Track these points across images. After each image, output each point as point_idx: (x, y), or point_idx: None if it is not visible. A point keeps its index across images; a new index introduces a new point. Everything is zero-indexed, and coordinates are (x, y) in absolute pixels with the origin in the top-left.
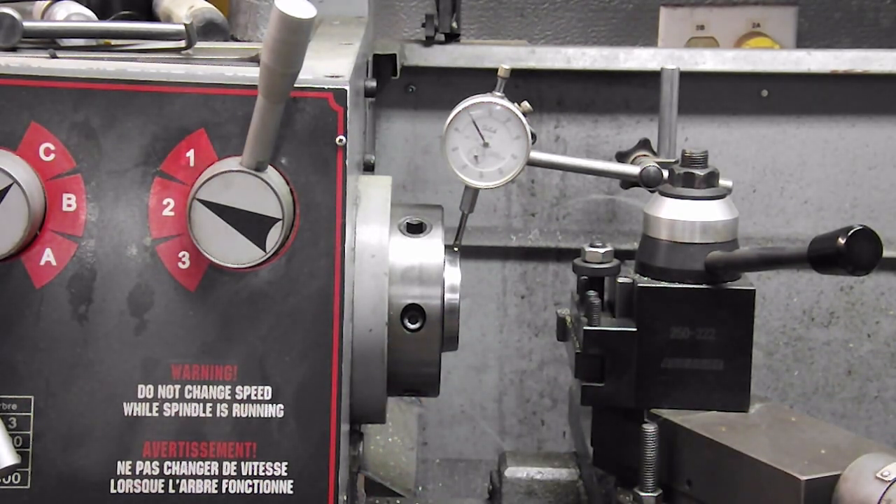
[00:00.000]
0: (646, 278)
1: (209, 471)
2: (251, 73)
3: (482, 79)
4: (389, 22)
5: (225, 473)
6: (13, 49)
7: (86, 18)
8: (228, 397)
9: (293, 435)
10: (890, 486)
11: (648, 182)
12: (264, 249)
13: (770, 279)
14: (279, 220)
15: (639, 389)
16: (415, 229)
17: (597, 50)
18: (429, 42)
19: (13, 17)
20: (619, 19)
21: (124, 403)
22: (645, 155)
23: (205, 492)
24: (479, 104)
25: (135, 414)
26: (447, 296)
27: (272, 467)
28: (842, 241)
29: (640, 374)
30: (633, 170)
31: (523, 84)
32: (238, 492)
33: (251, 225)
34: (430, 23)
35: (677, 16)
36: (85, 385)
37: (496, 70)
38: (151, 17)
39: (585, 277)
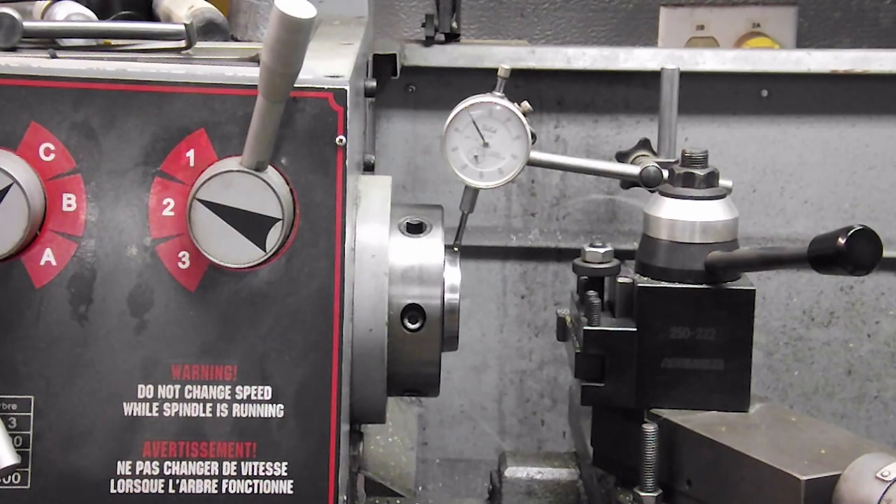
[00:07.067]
0: (646, 278)
1: (209, 471)
2: (251, 73)
3: (482, 79)
4: (389, 22)
5: (225, 473)
6: (13, 49)
7: (86, 18)
8: (228, 397)
9: (293, 435)
10: (890, 486)
11: (648, 182)
12: (264, 249)
13: (770, 279)
14: (279, 220)
15: (639, 389)
16: (415, 229)
17: (597, 50)
18: (429, 42)
19: (13, 17)
20: (619, 19)
21: (124, 403)
22: (645, 155)
23: (205, 492)
24: (479, 104)
25: (135, 414)
26: (447, 296)
27: (272, 467)
28: (842, 241)
29: (640, 374)
30: (633, 170)
31: (523, 84)
32: (238, 492)
33: (251, 225)
34: (430, 23)
35: (677, 16)
36: (85, 385)
37: (496, 70)
38: (151, 17)
39: (585, 277)
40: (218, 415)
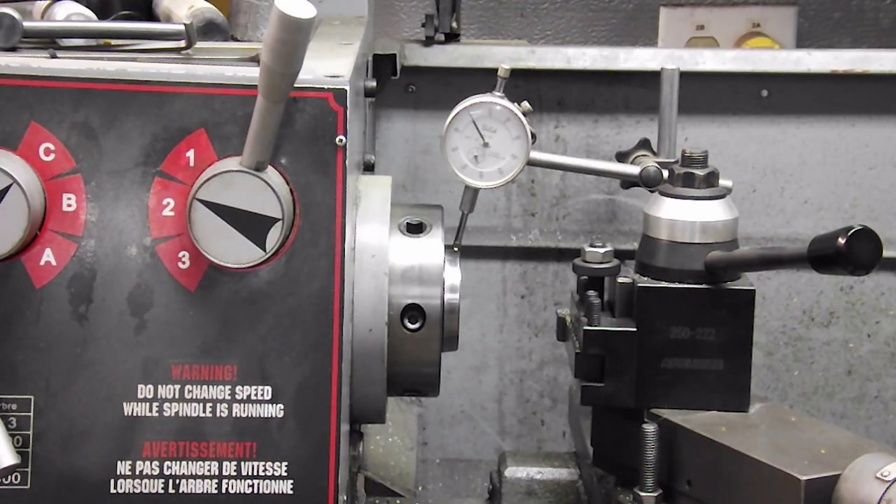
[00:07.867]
0: (646, 278)
1: (209, 471)
2: (251, 73)
3: (482, 79)
4: (389, 22)
5: (225, 473)
6: (13, 49)
7: (86, 18)
8: (228, 397)
9: (293, 435)
10: (890, 486)
11: (648, 182)
12: (264, 249)
13: (770, 279)
14: (279, 220)
15: (639, 389)
16: (415, 229)
17: (597, 50)
18: (429, 42)
19: (13, 17)
20: (619, 19)
21: (124, 403)
22: (645, 155)
23: (205, 492)
24: (479, 104)
25: (135, 414)
26: (447, 296)
27: (272, 467)
28: (842, 241)
29: (640, 374)
30: (633, 170)
31: (523, 84)
32: (238, 492)
33: (251, 225)
34: (430, 23)
35: (677, 16)
36: (85, 385)
37: (496, 70)
38: (151, 17)
39: (585, 277)
40: (218, 415)
